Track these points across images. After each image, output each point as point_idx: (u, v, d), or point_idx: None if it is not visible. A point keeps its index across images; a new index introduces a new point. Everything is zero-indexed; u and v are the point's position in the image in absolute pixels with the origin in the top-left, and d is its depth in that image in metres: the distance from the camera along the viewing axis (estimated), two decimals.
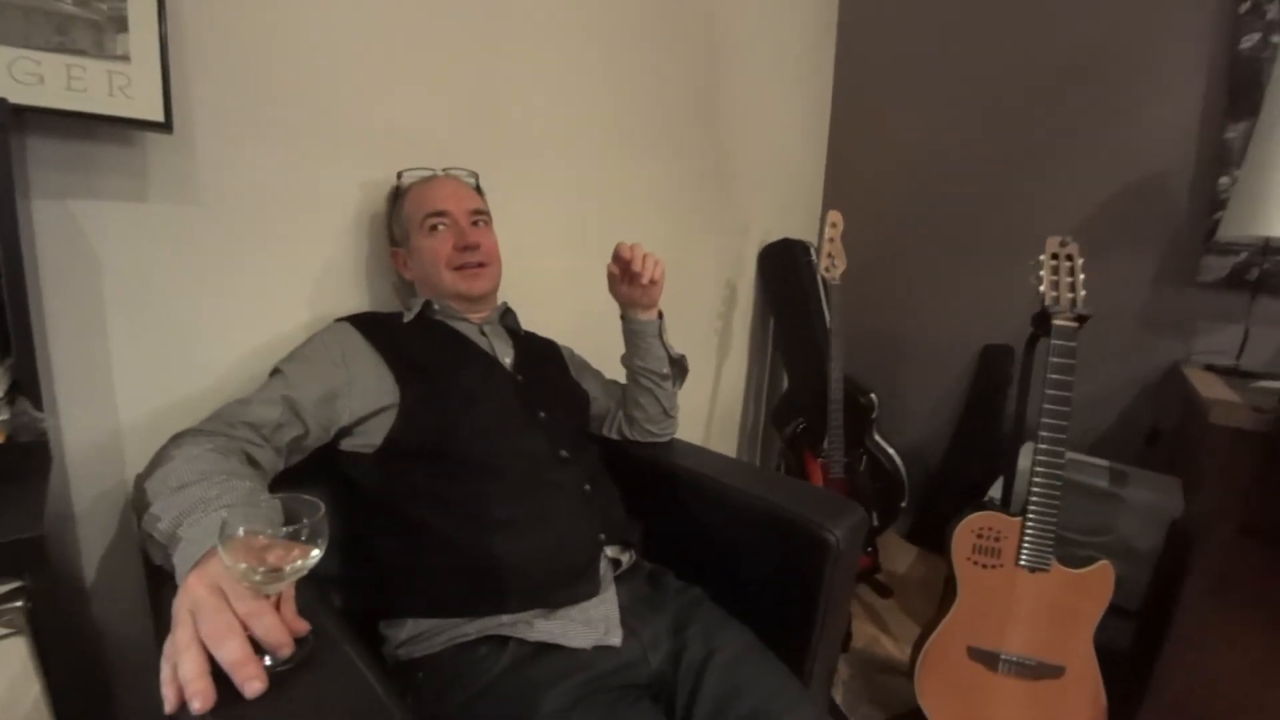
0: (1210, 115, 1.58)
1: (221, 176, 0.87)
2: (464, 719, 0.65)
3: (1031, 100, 1.79)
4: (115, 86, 0.72)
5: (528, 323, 1.06)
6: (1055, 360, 1.05)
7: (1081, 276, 1.09)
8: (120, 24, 0.72)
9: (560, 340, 1.10)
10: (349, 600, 0.77)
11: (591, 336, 1.16)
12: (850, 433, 1.63)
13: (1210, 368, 1.42)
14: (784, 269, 1.92)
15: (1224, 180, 1.53)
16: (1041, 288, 1.09)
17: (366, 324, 0.86)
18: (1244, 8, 1.51)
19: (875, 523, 1.66)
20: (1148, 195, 1.67)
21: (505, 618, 0.71)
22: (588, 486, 0.85)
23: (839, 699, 1.32)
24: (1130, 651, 1.27)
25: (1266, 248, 1.43)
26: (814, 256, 1.88)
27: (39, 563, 0.55)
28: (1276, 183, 1.20)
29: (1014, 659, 1.09)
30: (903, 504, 1.67)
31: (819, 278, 1.76)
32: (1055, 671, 1.08)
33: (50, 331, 0.76)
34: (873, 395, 1.68)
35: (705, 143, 1.70)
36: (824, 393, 1.58)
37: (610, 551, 0.82)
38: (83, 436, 0.80)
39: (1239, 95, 1.51)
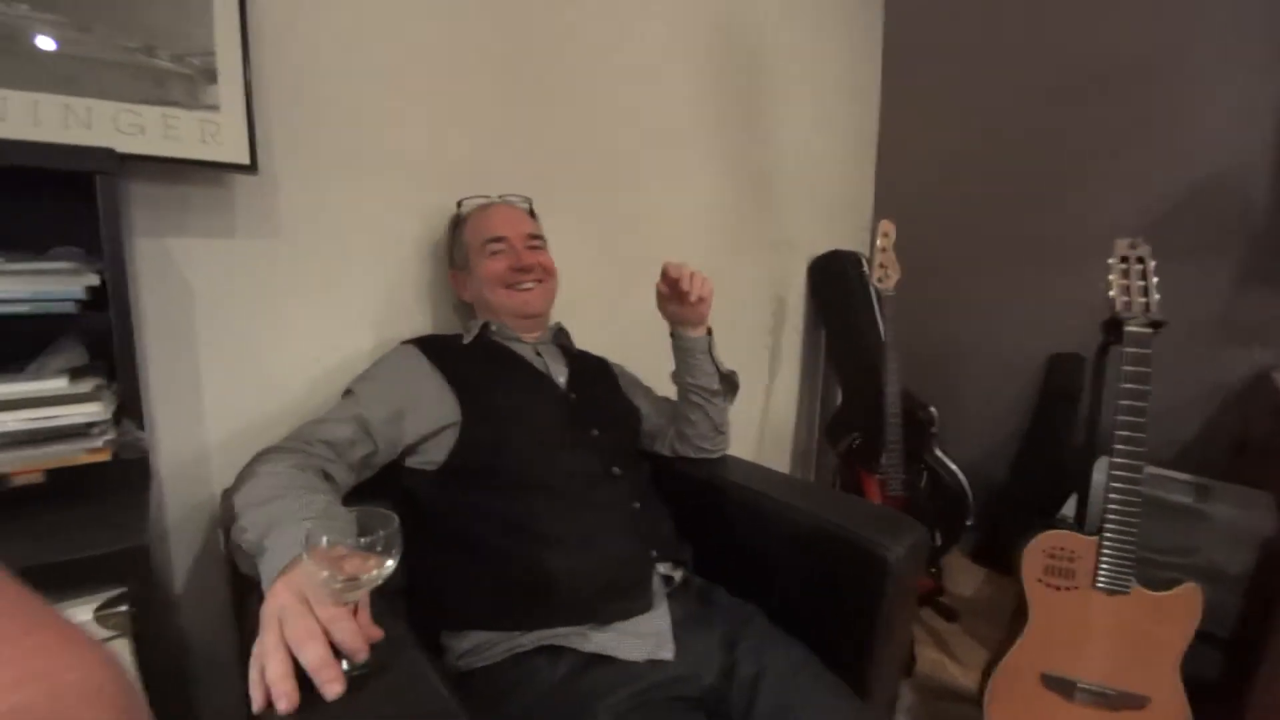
0: None
1: (298, 211, 0.93)
2: None
3: (1090, 97, 1.72)
4: (206, 134, 0.79)
5: (581, 342, 1.09)
6: (1129, 369, 1.00)
7: (1155, 280, 1.04)
8: (210, 76, 0.80)
9: (612, 358, 1.12)
10: (413, 612, 0.80)
11: (642, 354, 1.18)
12: (909, 448, 1.58)
13: None
14: (834, 281, 1.90)
15: None
16: (1112, 292, 1.04)
17: (429, 346, 0.90)
18: None
19: (938, 542, 1.60)
20: (1222, 190, 1.57)
21: (560, 629, 0.73)
22: (638, 504, 0.86)
23: None
24: (1220, 682, 1.17)
25: None
26: (865, 267, 1.85)
27: (142, 571, 0.60)
28: None
29: (1092, 688, 1.02)
30: (968, 522, 1.60)
31: (871, 289, 1.73)
32: (1139, 702, 1.01)
33: (149, 357, 0.83)
34: (932, 409, 1.63)
35: (751, 159, 1.71)
36: (879, 407, 1.54)
37: (662, 568, 0.83)
38: (175, 454, 0.87)
39: None
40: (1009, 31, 1.86)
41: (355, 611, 0.52)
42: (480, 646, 0.75)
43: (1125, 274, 1.05)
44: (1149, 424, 0.99)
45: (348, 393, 0.84)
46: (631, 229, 1.43)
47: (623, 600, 0.75)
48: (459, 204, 1.04)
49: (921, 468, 1.61)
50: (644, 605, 0.76)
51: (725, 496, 0.97)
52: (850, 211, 2.12)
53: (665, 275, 0.93)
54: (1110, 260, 1.06)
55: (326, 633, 0.49)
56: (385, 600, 0.60)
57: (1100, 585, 1.00)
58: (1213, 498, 1.24)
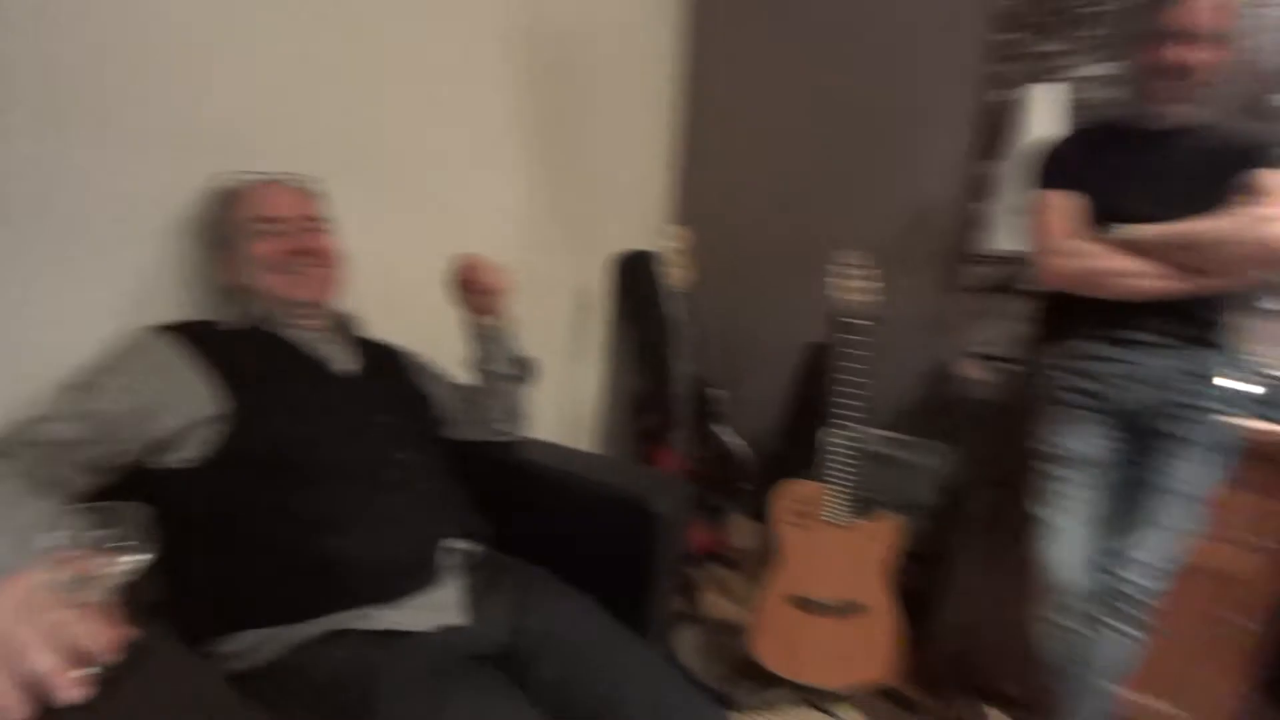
0: (969, 153, 1.96)
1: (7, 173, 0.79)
2: (313, 710, 0.67)
3: (844, 132, 2.10)
4: None
5: (383, 330, 1.07)
6: (851, 352, 1.26)
7: (869, 284, 1.32)
8: None
9: (412, 345, 1.12)
10: (177, 620, 0.74)
11: (443, 342, 1.19)
12: (699, 425, 1.79)
13: (978, 355, 1.74)
14: (634, 278, 2.06)
15: (977, 206, 1.90)
16: (840, 294, 1.31)
17: (184, 333, 0.82)
18: (992, 69, 1.90)
19: (724, 505, 1.84)
20: (925, 217, 2.03)
21: (343, 614, 0.73)
22: (426, 485, 0.88)
23: (690, 663, 1.46)
24: (924, 587, 1.54)
25: (1011, 259, 1.79)
26: (661, 266, 2.04)
27: None
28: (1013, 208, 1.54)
29: (825, 602, 1.29)
30: (748, 486, 1.87)
31: (666, 286, 1.92)
32: (860, 609, 1.29)
33: None
34: (720, 391, 1.87)
35: (557, 161, 1.79)
36: (671, 390, 1.73)
37: (454, 545, 0.86)
38: None
39: (985, 139, 1.89)
40: (784, 75, 2.17)
41: (100, 613, 0.49)
42: (257, 645, 0.72)
43: (847, 279, 1.32)
44: (875, 396, 1.27)
45: (77, 386, 0.74)
46: (432, 220, 1.42)
47: (408, 577, 0.78)
48: (227, 177, 0.94)
49: (710, 442, 1.83)
50: (430, 580, 0.79)
51: (522, 473, 1.05)
52: (651, 215, 2.31)
53: (457, 268, 0.97)
54: (834, 267, 1.33)
55: (64, 637, 0.46)
56: (147, 611, 0.57)
57: (826, 518, 1.26)
58: (912, 449, 1.61)
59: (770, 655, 1.30)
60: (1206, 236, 0.99)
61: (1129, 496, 1.06)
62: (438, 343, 1.20)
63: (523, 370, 1.09)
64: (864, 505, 1.30)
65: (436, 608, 0.77)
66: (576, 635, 0.80)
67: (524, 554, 0.96)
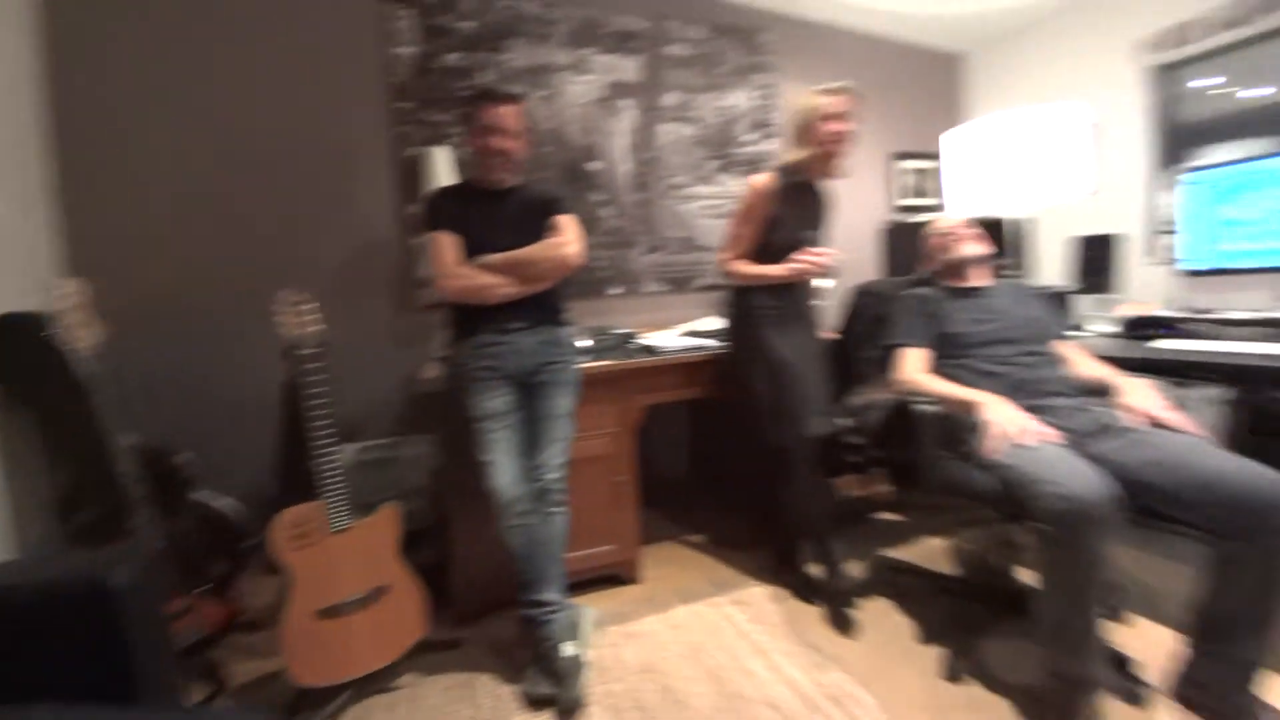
0: (396, 197, 2.33)
1: None
2: None
3: (281, 181, 2.16)
4: None
5: None
6: (310, 379, 1.42)
7: (315, 316, 1.49)
8: None
9: None
10: None
11: None
12: (169, 499, 1.62)
13: (436, 358, 2.14)
14: (21, 347, 1.64)
15: (414, 240, 2.30)
16: (284, 329, 1.44)
17: None
18: (402, 130, 2.29)
19: (230, 571, 1.73)
20: (373, 251, 2.32)
21: None
22: None
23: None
24: (436, 557, 1.86)
25: None
26: (57, 329, 1.69)
27: None
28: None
29: (351, 599, 1.45)
30: (248, 544, 1.80)
31: (71, 351, 1.61)
32: (383, 591, 1.51)
33: None
34: (185, 455, 1.72)
35: None
36: (109, 473, 1.49)
37: None
38: None
39: (407, 186, 2.29)
40: (197, 98, 2.06)
41: None
42: None
43: (295, 315, 1.46)
44: (360, 410, 1.44)
45: None
46: None
47: None
48: None
49: (188, 512, 1.68)
50: None
51: None
52: (30, 269, 1.85)
53: None
54: (281, 305, 1.45)
55: None
56: None
57: (331, 530, 1.42)
58: (400, 446, 1.90)
59: (316, 672, 1.38)
60: (527, 258, 1.58)
61: (531, 428, 1.60)
62: None
63: None
64: (363, 507, 1.51)
65: None
66: None
67: None
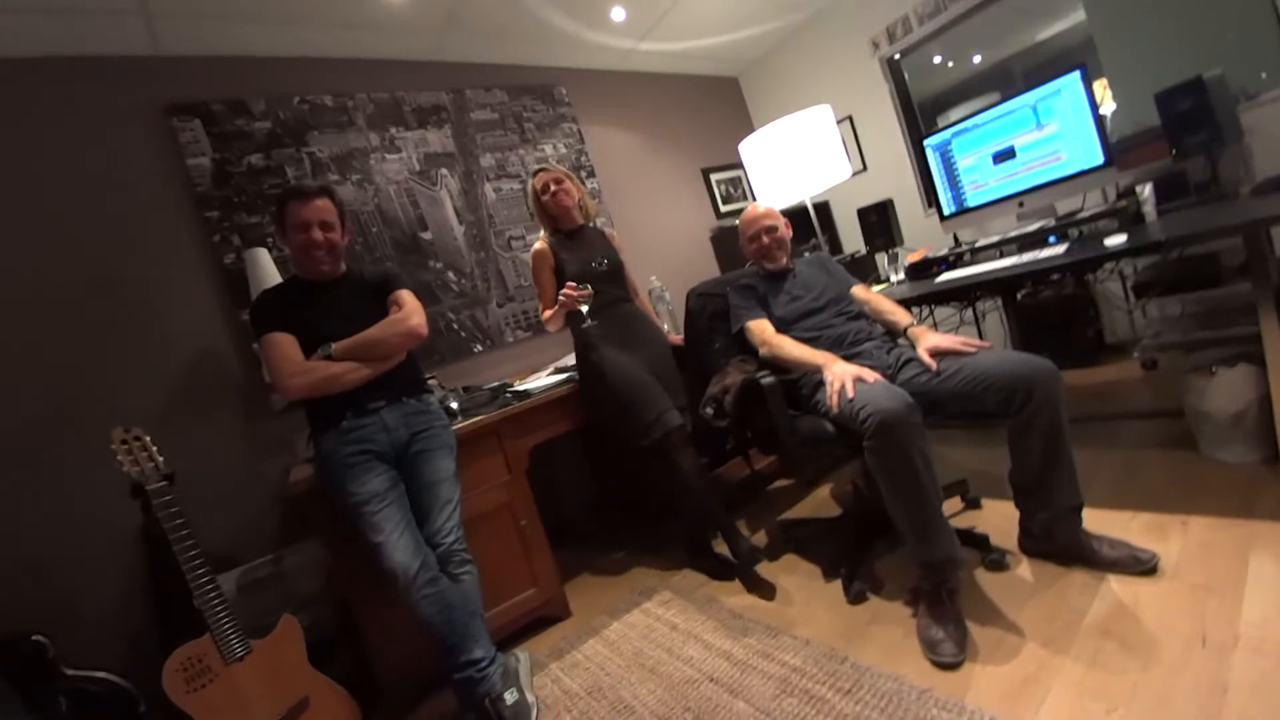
0: (225, 305, 2.24)
1: None
2: None
3: (87, 307, 2.00)
4: None
5: None
6: (165, 514, 1.35)
7: (154, 448, 1.43)
8: None
9: None
10: None
11: None
12: (28, 688, 1.45)
13: (302, 460, 2.07)
14: None
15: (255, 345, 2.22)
16: (125, 469, 1.36)
17: None
18: (216, 238, 2.22)
19: None
20: (208, 365, 2.20)
21: None
22: None
23: None
24: (354, 657, 1.79)
25: None
26: None
27: None
28: None
29: None
30: (142, 709, 1.64)
31: None
32: (303, 706, 1.44)
33: None
34: (38, 637, 1.54)
35: None
36: None
37: None
38: None
39: (236, 291, 2.22)
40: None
41: None
42: None
43: (130, 451, 1.39)
44: (234, 533, 1.37)
45: None
46: None
47: None
48: None
49: (58, 695, 1.51)
50: None
51: None
52: None
53: None
54: (112, 446, 1.38)
55: None
56: None
57: (230, 660, 1.35)
58: (285, 559, 1.82)
59: None
60: (372, 339, 1.61)
61: (418, 499, 1.61)
62: None
63: None
64: (261, 629, 1.44)
65: None
66: None
67: None
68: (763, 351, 1.86)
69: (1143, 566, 1.39)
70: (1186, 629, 1.19)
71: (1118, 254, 1.58)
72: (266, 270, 2.14)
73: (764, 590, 1.86)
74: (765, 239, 1.99)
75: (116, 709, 1.57)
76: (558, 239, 2.17)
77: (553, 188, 2.14)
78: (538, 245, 2.15)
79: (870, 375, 1.54)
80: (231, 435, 2.17)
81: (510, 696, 1.52)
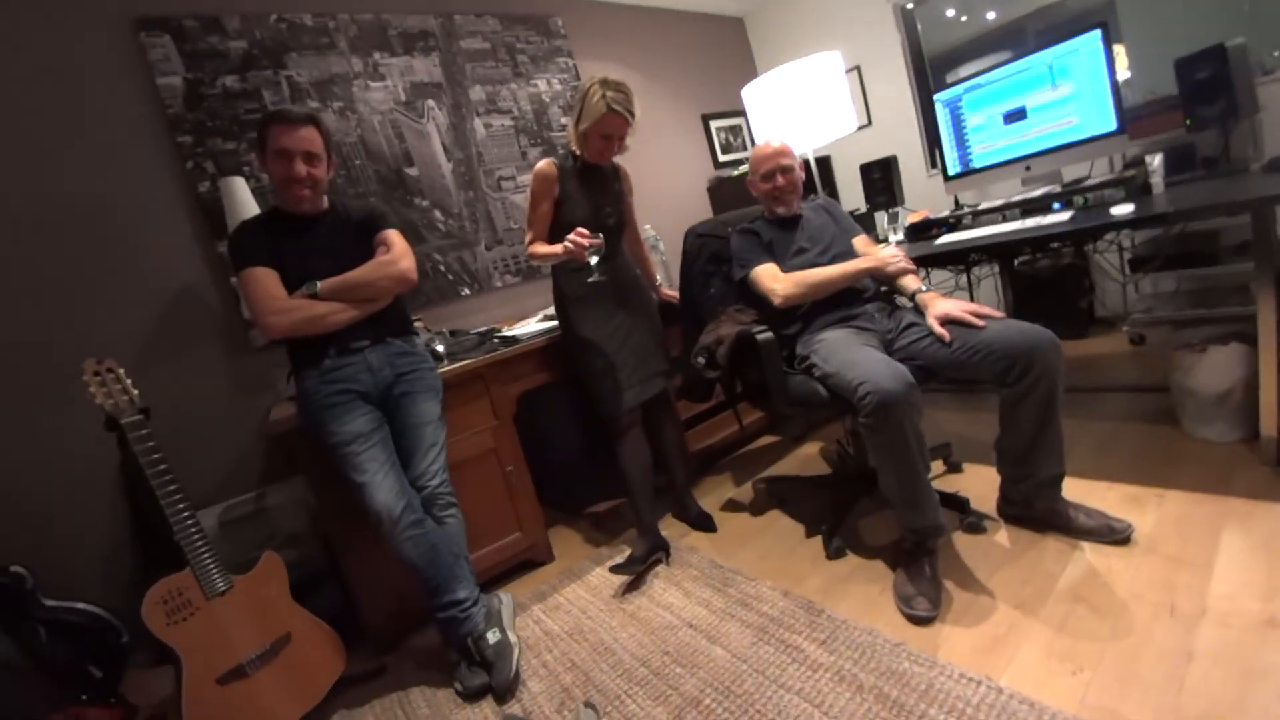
0: (202, 236, 2.14)
1: None
2: None
3: (55, 231, 1.90)
4: None
5: None
6: (141, 448, 1.32)
7: (129, 380, 1.38)
8: None
9: None
10: None
11: None
12: (12, 617, 1.44)
13: (287, 398, 2.03)
14: None
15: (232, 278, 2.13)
16: (98, 401, 1.32)
17: None
18: (189, 165, 2.09)
19: (100, 675, 1.57)
20: (186, 298, 2.12)
21: None
22: None
23: None
24: (339, 595, 1.80)
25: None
26: None
27: None
28: None
29: (254, 655, 1.39)
30: (124, 639, 1.64)
31: None
32: (286, 639, 1.45)
33: None
34: (16, 568, 1.52)
35: None
36: None
37: None
38: None
39: (214, 222, 2.11)
40: None
41: None
42: None
43: (103, 383, 1.34)
44: (218, 468, 1.33)
45: None
46: None
47: None
48: None
49: (37, 626, 1.51)
50: None
51: None
52: None
53: None
54: (85, 377, 1.32)
55: None
56: None
57: (208, 596, 1.34)
58: (268, 496, 1.80)
59: None
60: (359, 280, 1.54)
61: (402, 441, 1.59)
62: None
63: None
64: (242, 565, 1.43)
65: None
66: None
67: None
68: (778, 299, 1.74)
69: (1117, 536, 1.42)
70: (1156, 598, 1.23)
71: (1121, 224, 1.55)
72: (243, 200, 2.03)
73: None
74: (780, 179, 1.85)
75: (98, 639, 1.57)
76: (574, 166, 1.85)
77: (614, 136, 1.80)
78: (543, 165, 1.82)
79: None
80: (210, 372, 2.12)
81: (493, 636, 1.55)
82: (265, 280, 1.48)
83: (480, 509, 1.86)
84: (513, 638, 1.60)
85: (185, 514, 1.33)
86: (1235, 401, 1.63)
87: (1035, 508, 1.55)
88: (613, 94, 1.75)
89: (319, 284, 1.50)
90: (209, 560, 1.34)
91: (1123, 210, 1.61)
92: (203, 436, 2.03)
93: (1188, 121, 1.99)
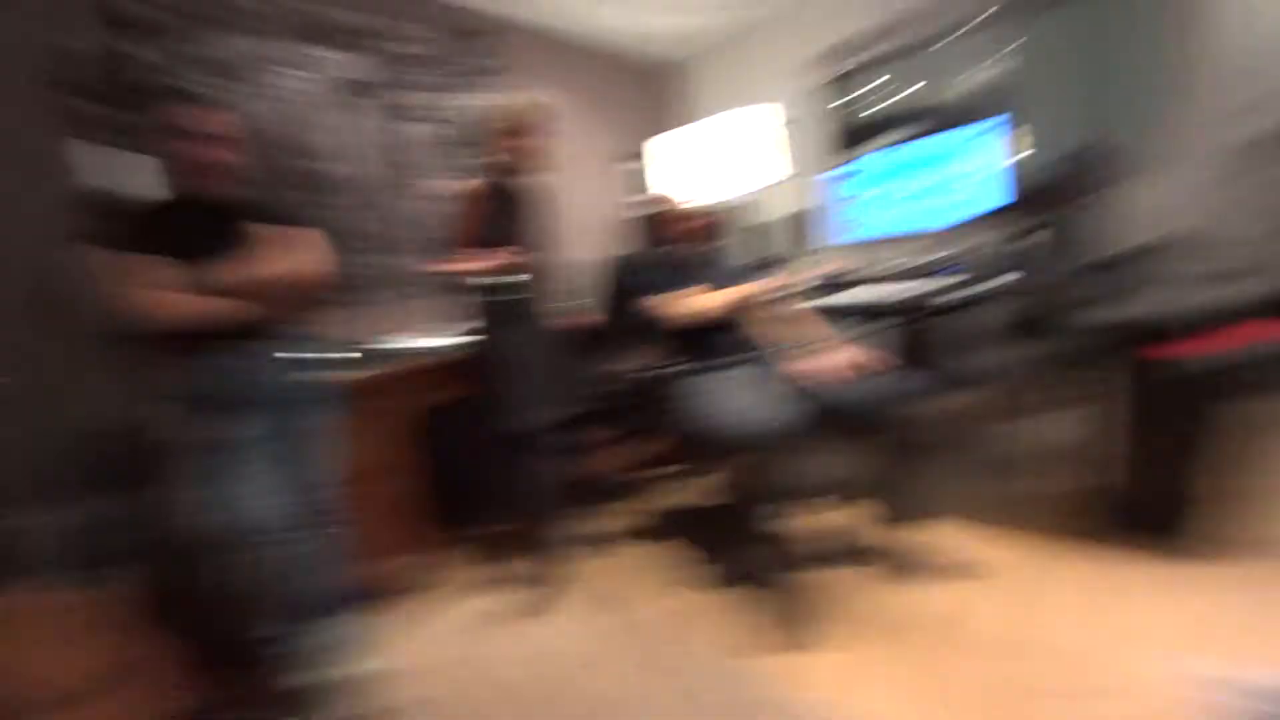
0: (81, 213, 1.93)
1: None
2: None
3: None
4: None
5: None
6: None
7: None
8: None
9: None
10: None
11: None
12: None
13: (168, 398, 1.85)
14: None
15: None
16: None
17: None
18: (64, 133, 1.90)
19: None
20: (55, 278, 1.91)
21: None
22: None
23: None
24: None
25: None
26: None
27: None
28: None
29: None
30: None
31: None
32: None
33: None
34: None
35: None
36: None
37: None
38: None
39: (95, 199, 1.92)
40: None
41: None
42: None
43: None
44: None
45: None
46: None
47: None
48: None
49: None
50: None
51: None
52: None
53: None
54: None
55: None
56: None
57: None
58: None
59: None
60: (266, 279, 1.45)
61: (283, 451, 1.49)
62: None
63: None
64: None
65: None
66: None
67: None
68: (682, 321, 1.81)
69: (965, 574, 1.60)
70: (997, 630, 1.41)
71: (972, 299, 1.78)
72: (133, 178, 1.89)
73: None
74: (688, 223, 1.99)
75: None
76: (489, 187, 1.89)
77: (523, 133, 1.87)
78: (474, 185, 1.88)
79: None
80: (76, 359, 1.92)
81: (345, 663, 1.50)
82: (150, 269, 1.39)
83: (368, 526, 1.79)
84: (372, 664, 1.54)
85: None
86: (1077, 456, 1.88)
87: (892, 546, 1.71)
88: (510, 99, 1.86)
89: (219, 277, 1.42)
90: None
91: (990, 284, 1.84)
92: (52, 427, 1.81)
93: (1060, 207, 2.27)
